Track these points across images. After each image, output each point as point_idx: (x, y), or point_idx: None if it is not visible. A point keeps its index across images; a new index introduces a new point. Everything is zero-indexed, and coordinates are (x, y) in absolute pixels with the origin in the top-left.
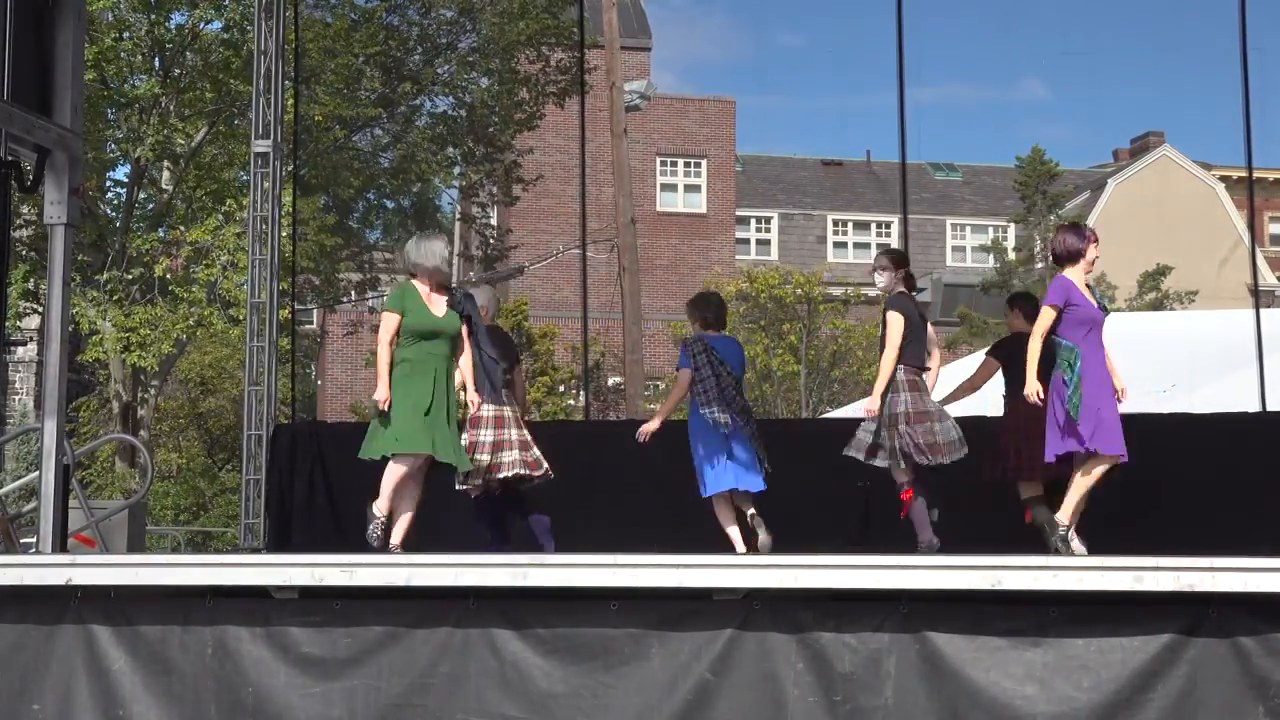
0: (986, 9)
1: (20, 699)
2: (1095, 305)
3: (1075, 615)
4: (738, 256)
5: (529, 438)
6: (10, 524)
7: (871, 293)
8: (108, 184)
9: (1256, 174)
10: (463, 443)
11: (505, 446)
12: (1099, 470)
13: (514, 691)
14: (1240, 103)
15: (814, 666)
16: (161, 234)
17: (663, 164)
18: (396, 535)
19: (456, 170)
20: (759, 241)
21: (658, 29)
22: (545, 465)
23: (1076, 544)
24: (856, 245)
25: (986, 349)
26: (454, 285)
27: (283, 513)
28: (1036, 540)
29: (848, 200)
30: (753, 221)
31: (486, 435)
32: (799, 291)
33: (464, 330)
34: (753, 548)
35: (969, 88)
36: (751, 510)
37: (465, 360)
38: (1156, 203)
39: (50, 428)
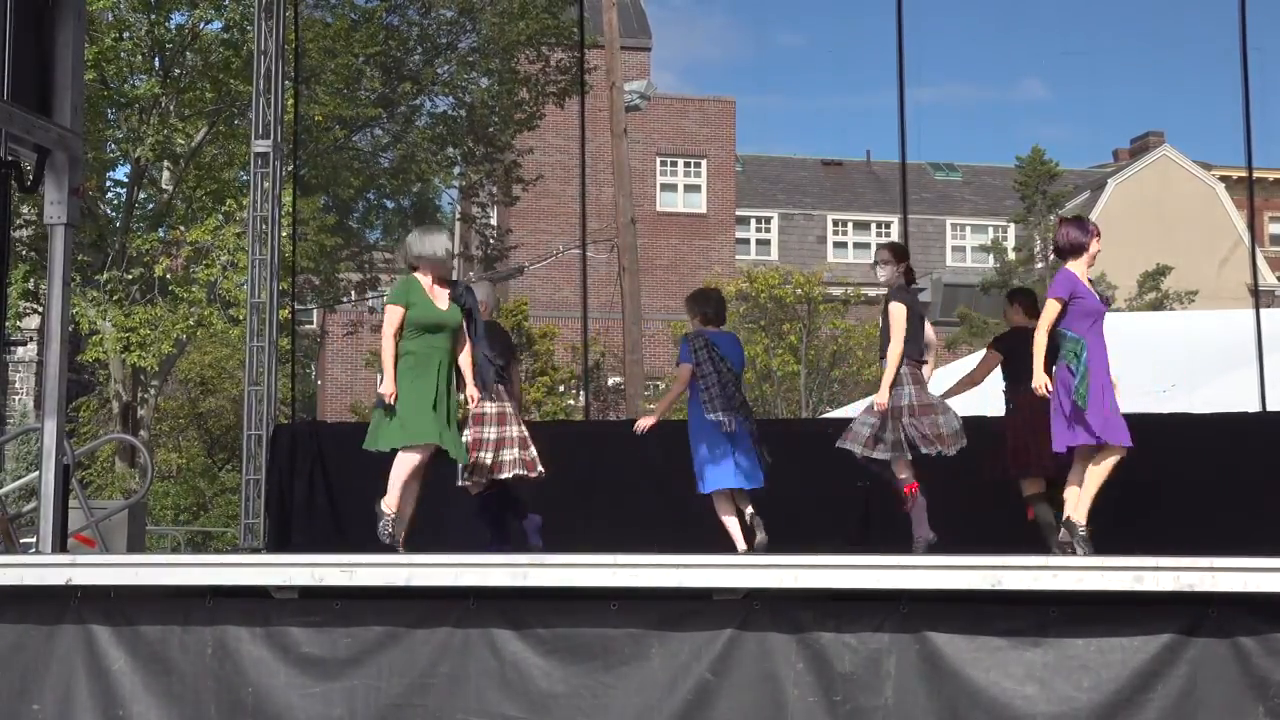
0: (986, 9)
1: (20, 699)
2: (1098, 298)
3: (1075, 615)
4: (738, 256)
5: (527, 434)
6: (10, 524)
7: (871, 293)
8: (108, 184)
9: (1256, 174)
10: (465, 439)
11: (507, 444)
12: (1109, 463)
13: (514, 691)
14: (1240, 103)
15: (814, 666)
16: (161, 234)
17: (663, 164)
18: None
19: (456, 170)
20: (759, 241)
21: (658, 29)
22: (539, 466)
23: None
24: (856, 245)
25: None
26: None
27: (283, 513)
28: (1037, 539)
29: (848, 200)
30: (753, 221)
31: (490, 432)
32: (799, 291)
33: (464, 325)
34: (750, 547)
35: (969, 88)
36: (750, 510)
37: (465, 357)
38: (1156, 203)
39: (50, 428)
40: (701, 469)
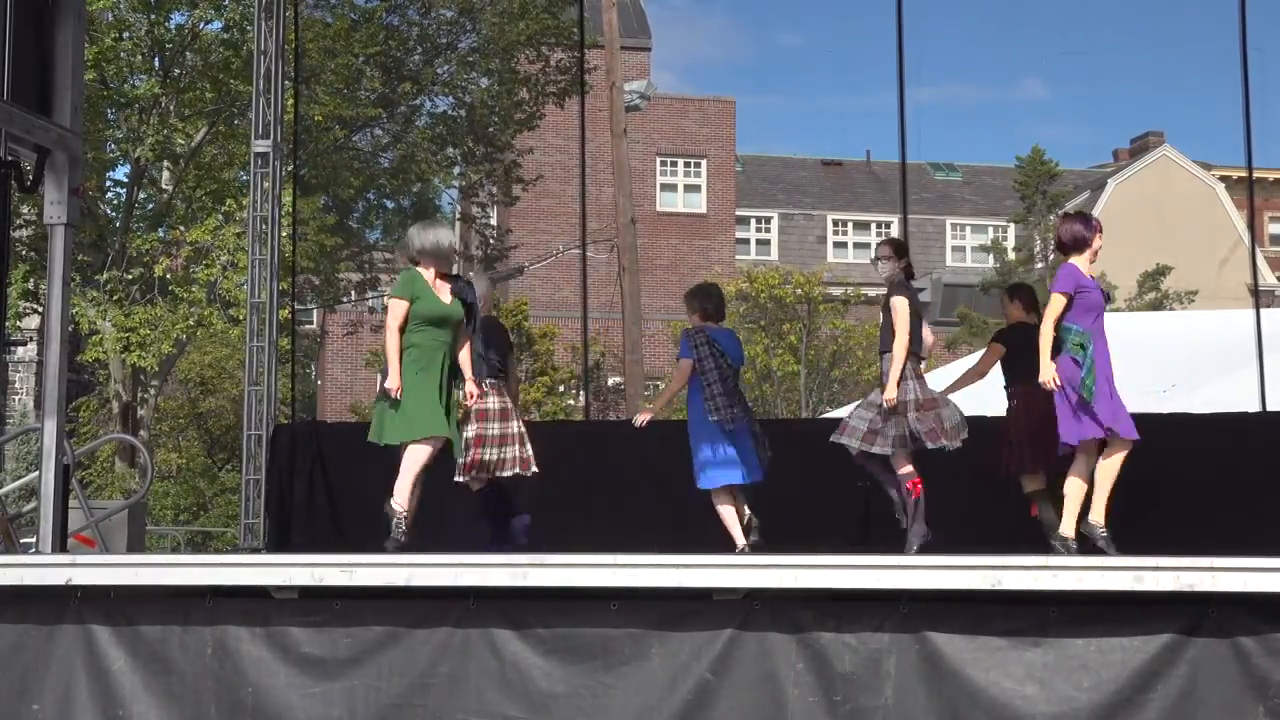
0: (986, 9)
1: (20, 699)
2: (1101, 292)
3: (1075, 615)
4: (738, 256)
5: (524, 431)
6: (10, 524)
7: (871, 292)
8: (108, 184)
9: (1256, 174)
10: (468, 434)
11: (509, 441)
12: (1118, 458)
13: (514, 691)
14: (1240, 103)
15: (814, 666)
16: (161, 234)
17: (663, 164)
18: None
19: (456, 170)
20: (759, 241)
21: (658, 29)
22: (534, 465)
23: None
24: (856, 245)
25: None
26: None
27: (283, 513)
28: (1037, 539)
29: (848, 200)
30: (753, 221)
31: (493, 428)
32: (799, 291)
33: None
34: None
35: (969, 88)
36: (747, 511)
37: (464, 353)
38: (1156, 203)
39: (50, 428)
40: (701, 465)
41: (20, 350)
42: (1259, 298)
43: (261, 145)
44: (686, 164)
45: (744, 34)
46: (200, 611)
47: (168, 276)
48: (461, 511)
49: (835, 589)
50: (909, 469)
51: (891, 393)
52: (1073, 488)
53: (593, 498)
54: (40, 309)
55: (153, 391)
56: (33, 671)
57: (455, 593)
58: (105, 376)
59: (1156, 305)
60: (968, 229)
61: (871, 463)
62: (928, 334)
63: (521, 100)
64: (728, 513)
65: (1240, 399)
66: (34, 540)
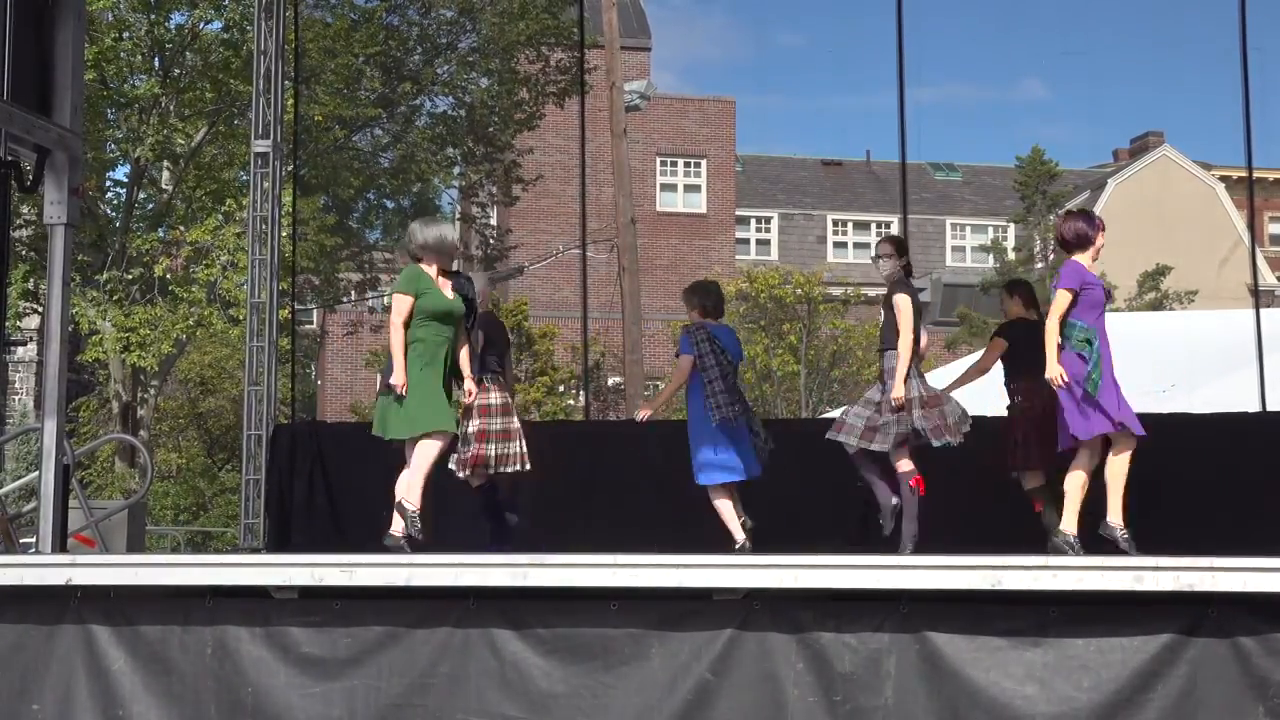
0: (986, 9)
1: (20, 699)
2: (1104, 290)
3: (1075, 615)
4: (738, 256)
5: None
6: (10, 524)
7: (871, 292)
8: (108, 184)
9: (1256, 174)
10: (471, 429)
11: (511, 437)
12: (1127, 455)
13: (514, 691)
14: (1240, 103)
15: (814, 666)
16: (161, 234)
17: (663, 164)
18: (400, 523)
19: (456, 170)
20: (759, 241)
21: (658, 29)
22: (528, 461)
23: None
24: (856, 245)
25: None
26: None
27: (282, 513)
28: (1037, 538)
29: (848, 200)
30: (753, 221)
31: (496, 423)
32: (799, 291)
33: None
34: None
35: (969, 88)
36: (742, 513)
37: (464, 350)
38: (1156, 203)
39: (50, 428)
40: (700, 462)
41: (20, 350)
42: (1259, 298)
43: (261, 145)
44: (686, 164)
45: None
46: (200, 611)
47: (168, 276)
48: (461, 511)
49: (835, 589)
50: (910, 467)
51: (899, 391)
52: (1074, 484)
53: (593, 498)
54: (40, 309)
55: (153, 391)
56: (33, 671)
57: (455, 593)
58: (105, 376)
59: (1156, 305)
60: (968, 229)
61: (867, 462)
62: (924, 335)
63: (521, 100)
64: (725, 508)
65: (1240, 399)
66: (34, 540)
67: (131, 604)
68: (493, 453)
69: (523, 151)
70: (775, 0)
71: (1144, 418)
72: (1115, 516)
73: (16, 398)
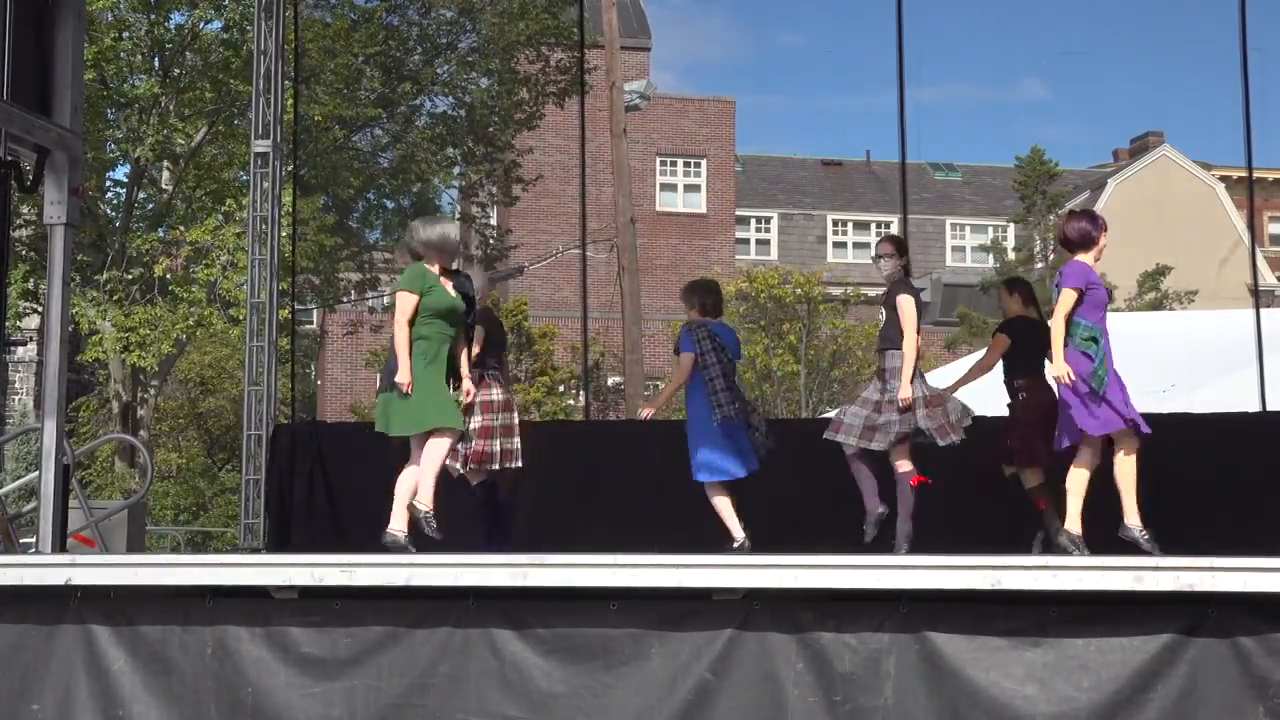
0: (986, 9)
1: (20, 699)
2: (1106, 289)
3: (1075, 615)
4: (738, 256)
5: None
6: (10, 524)
7: (871, 292)
8: (108, 184)
9: (1256, 174)
10: (474, 426)
11: (512, 432)
12: (1134, 453)
13: (514, 691)
14: (1240, 103)
15: (814, 666)
16: (161, 234)
17: (662, 164)
18: (400, 522)
19: (456, 170)
20: (759, 241)
21: (657, 29)
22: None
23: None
24: (856, 245)
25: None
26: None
27: (282, 513)
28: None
29: (848, 200)
30: (753, 221)
31: (498, 419)
32: (799, 291)
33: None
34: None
35: (969, 88)
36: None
37: (462, 348)
38: (1156, 203)
39: (50, 428)
40: (700, 459)
41: (20, 350)
42: (1259, 298)
43: (261, 145)
44: (686, 164)
45: (744, 34)
46: (200, 611)
47: (168, 276)
48: (462, 511)
49: (835, 589)
50: (909, 467)
51: (906, 392)
52: (1077, 481)
53: (593, 498)
54: (40, 309)
55: (153, 391)
56: (33, 671)
57: (455, 593)
58: (105, 376)
59: (1156, 305)
60: (967, 229)
61: (862, 464)
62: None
63: (521, 100)
64: (723, 504)
65: (1240, 399)
66: (34, 540)
67: (131, 604)
68: (497, 448)
69: (523, 151)
70: (775, 0)
71: (1144, 418)
72: (1133, 518)
73: (16, 398)
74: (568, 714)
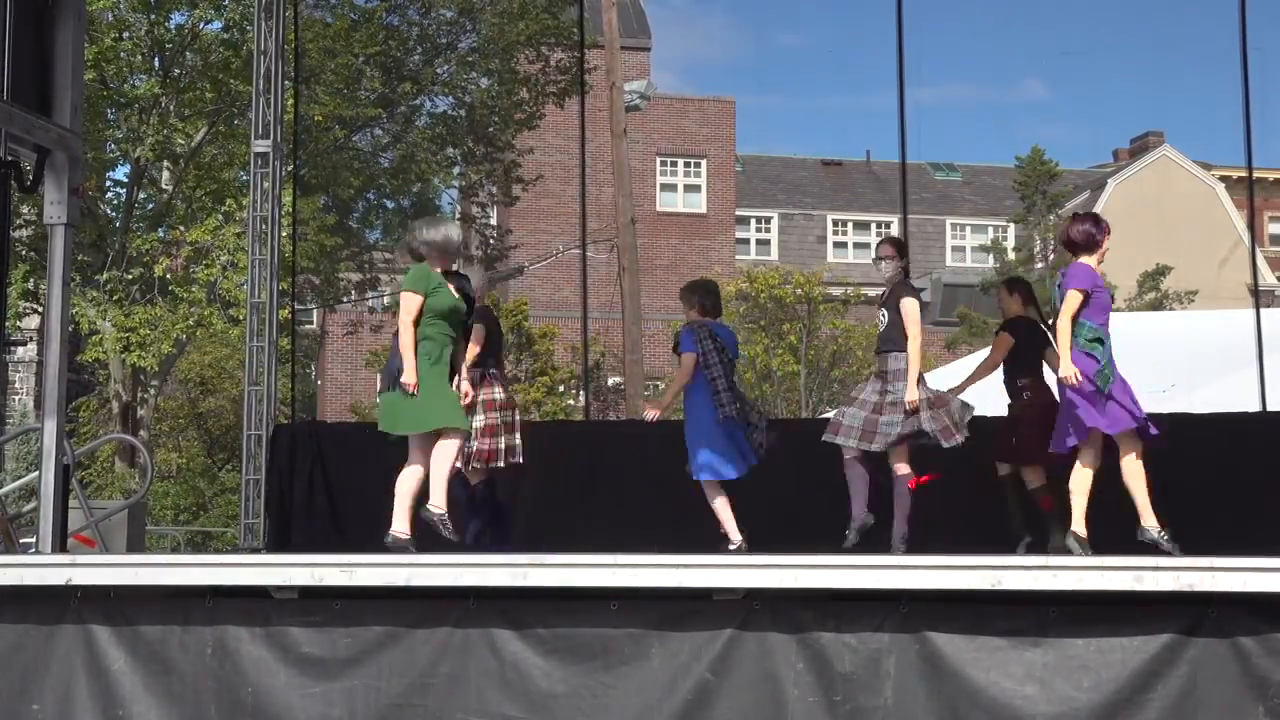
0: (986, 9)
1: (20, 699)
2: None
3: (1075, 615)
4: (738, 256)
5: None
6: (10, 524)
7: (871, 292)
8: (108, 184)
9: (1256, 174)
10: (479, 423)
11: (513, 430)
12: (1139, 455)
13: (514, 691)
14: (1240, 102)
15: (814, 666)
16: (161, 234)
17: (663, 164)
18: (403, 523)
19: (456, 170)
20: (759, 241)
21: (657, 29)
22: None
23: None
24: (856, 245)
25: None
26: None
27: (282, 513)
28: (1041, 536)
29: (848, 200)
30: (753, 221)
31: (501, 417)
32: (799, 291)
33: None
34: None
35: (969, 88)
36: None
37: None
38: (1156, 203)
39: (50, 428)
40: (699, 459)
41: (20, 350)
42: (1259, 298)
43: (261, 145)
44: (686, 164)
45: (744, 34)
46: (200, 611)
47: (168, 276)
48: (461, 512)
49: (835, 589)
50: (907, 470)
51: (912, 394)
52: (1081, 481)
53: (593, 498)
54: (40, 309)
55: (153, 391)
56: (33, 671)
57: (455, 593)
58: (105, 376)
59: (1156, 305)
60: (967, 229)
61: (857, 466)
62: None
63: (521, 100)
64: (721, 504)
65: (1240, 399)
66: (34, 540)
67: (131, 604)
68: (502, 446)
69: (523, 151)
70: (775, 0)
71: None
72: (1149, 519)
73: (16, 398)
74: (568, 714)
